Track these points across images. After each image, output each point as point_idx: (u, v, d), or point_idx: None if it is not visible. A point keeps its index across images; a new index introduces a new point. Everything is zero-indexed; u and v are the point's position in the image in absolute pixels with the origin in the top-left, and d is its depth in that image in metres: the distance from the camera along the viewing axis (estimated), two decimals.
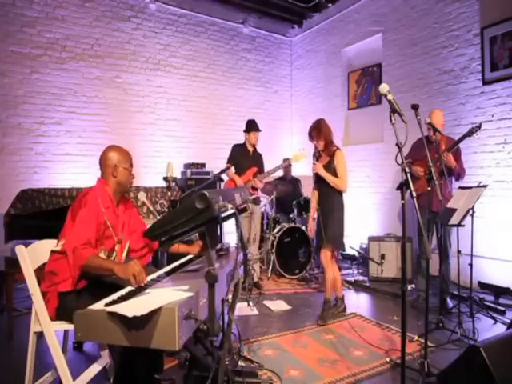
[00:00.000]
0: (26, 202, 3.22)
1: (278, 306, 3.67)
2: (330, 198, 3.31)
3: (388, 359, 2.52)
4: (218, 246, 2.04)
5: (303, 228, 4.77)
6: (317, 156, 3.38)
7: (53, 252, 1.90)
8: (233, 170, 4.20)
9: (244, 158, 4.30)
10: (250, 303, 3.58)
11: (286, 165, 4.62)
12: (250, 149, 4.38)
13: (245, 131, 4.39)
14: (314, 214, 3.48)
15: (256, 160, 4.37)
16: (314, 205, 3.48)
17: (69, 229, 1.85)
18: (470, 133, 3.19)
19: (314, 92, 6.74)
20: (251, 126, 4.35)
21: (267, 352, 2.66)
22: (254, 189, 4.24)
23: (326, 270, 3.33)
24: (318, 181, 3.35)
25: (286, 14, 6.58)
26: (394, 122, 1.90)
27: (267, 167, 4.38)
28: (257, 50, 6.81)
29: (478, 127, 3.19)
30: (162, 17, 5.75)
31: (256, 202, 4.37)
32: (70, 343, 2.66)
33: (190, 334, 1.38)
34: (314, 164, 3.31)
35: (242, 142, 4.45)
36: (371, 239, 4.66)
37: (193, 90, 6.04)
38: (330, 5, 6.23)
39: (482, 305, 3.46)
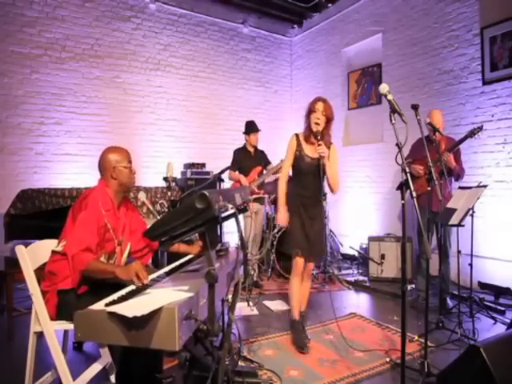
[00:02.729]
0: (26, 201, 3.21)
1: (278, 305, 3.67)
2: (320, 199, 2.66)
3: (388, 359, 2.52)
4: (218, 246, 2.04)
5: None
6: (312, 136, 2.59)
7: (53, 252, 1.89)
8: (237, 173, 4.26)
9: (247, 159, 4.36)
10: (250, 303, 3.59)
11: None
12: (251, 150, 4.43)
13: (244, 133, 4.43)
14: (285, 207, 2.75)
15: (259, 159, 4.40)
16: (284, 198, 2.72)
17: (69, 230, 1.84)
18: (472, 134, 3.19)
19: (314, 92, 6.72)
20: (250, 128, 4.39)
21: (267, 352, 2.66)
22: (260, 188, 4.27)
23: (308, 283, 2.90)
24: (308, 171, 2.62)
25: (286, 14, 6.58)
26: (393, 121, 1.91)
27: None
28: (257, 50, 6.80)
29: (480, 128, 3.19)
30: (161, 17, 5.75)
31: (261, 201, 4.37)
32: (70, 343, 2.65)
33: (190, 334, 1.38)
34: (319, 145, 2.45)
35: (241, 145, 4.50)
36: (371, 239, 4.66)
37: (193, 90, 6.03)
38: (330, 5, 6.23)
39: (482, 305, 3.46)
